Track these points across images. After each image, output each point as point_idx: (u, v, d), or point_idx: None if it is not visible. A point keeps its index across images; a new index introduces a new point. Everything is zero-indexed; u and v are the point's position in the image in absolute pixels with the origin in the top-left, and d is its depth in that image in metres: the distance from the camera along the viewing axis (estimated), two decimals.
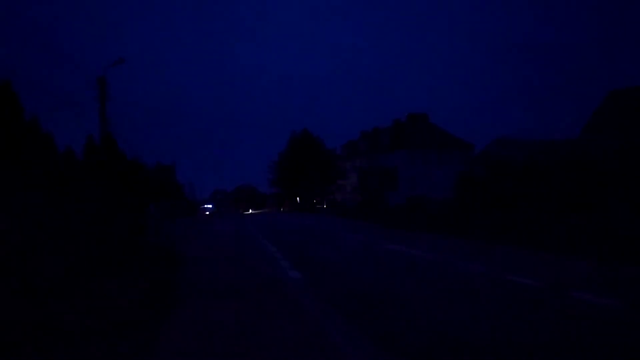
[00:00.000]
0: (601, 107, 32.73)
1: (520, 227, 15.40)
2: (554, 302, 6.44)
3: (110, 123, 19.23)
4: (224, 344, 5.06)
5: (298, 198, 70.78)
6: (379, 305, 6.65)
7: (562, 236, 12.83)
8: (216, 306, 6.84)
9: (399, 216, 27.30)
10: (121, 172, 16.98)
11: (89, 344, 5.04)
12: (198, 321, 6.03)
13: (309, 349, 4.85)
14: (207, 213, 61.48)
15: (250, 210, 55.79)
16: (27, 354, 4.75)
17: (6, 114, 18.31)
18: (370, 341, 5.00)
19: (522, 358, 4.44)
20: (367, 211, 35.00)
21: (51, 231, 9.29)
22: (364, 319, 5.89)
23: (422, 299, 6.97)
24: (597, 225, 13.35)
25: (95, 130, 22.12)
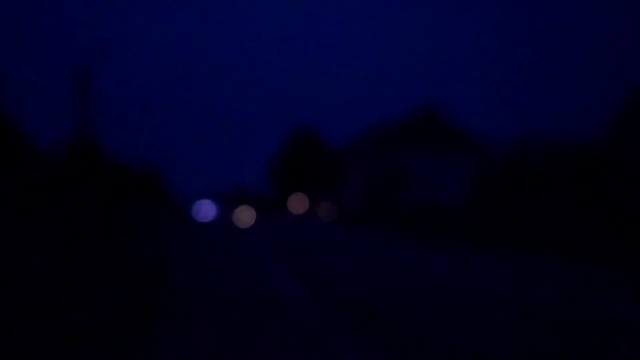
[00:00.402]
0: (627, 105, 30.90)
1: (551, 235, 14.80)
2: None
3: (94, 122, 17.21)
4: None
5: (298, 200, 68.74)
6: None
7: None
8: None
9: (413, 223, 25.29)
10: (102, 176, 14.98)
11: None
12: None
13: None
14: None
15: (245, 214, 53.51)
16: None
17: None
18: None
19: None
20: (377, 216, 32.93)
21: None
22: None
23: None
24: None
25: (80, 130, 20.18)
